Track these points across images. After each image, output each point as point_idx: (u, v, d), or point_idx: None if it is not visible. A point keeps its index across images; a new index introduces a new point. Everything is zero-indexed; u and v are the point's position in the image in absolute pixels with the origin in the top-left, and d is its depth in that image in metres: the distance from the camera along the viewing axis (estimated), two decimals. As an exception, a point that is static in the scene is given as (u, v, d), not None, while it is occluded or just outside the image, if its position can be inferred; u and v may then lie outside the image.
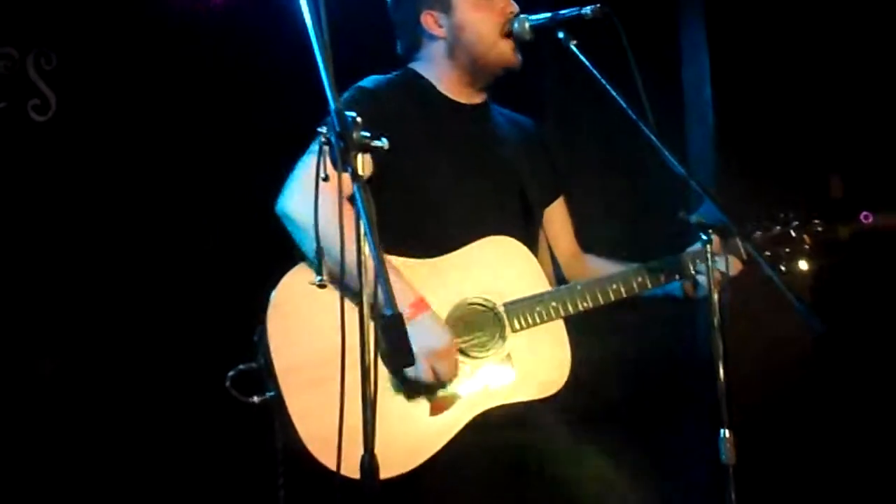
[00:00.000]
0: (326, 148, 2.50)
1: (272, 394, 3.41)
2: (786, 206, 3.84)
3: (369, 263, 2.46)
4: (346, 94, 3.70)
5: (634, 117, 3.44)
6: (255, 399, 3.44)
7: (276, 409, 3.40)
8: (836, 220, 3.80)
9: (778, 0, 5.68)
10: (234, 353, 3.52)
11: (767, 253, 3.73)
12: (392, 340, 2.37)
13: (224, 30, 5.61)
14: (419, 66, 3.95)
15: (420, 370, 3.39)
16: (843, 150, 5.66)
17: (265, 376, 3.44)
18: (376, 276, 2.41)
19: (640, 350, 5.67)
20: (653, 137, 3.43)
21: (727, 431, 3.20)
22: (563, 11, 3.66)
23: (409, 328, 2.97)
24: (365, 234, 2.44)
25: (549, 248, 4.01)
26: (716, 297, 3.28)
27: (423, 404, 3.46)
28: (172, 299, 5.46)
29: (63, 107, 5.44)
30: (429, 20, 3.89)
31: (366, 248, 2.46)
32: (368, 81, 3.80)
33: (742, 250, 3.68)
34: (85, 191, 5.40)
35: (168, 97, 5.58)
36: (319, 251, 2.72)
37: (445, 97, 3.89)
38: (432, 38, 3.91)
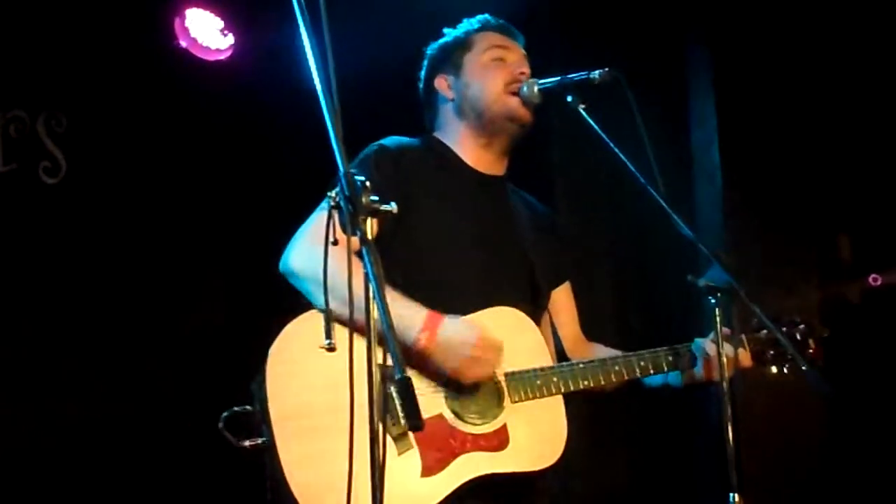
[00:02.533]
0: (336, 212, 2.51)
1: (265, 440, 3.39)
2: (796, 296, 3.82)
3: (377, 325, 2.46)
4: (365, 150, 3.71)
5: (643, 181, 3.45)
6: (247, 443, 3.41)
7: (268, 455, 3.37)
8: (846, 282, 3.79)
9: (785, 63, 5.71)
10: (232, 398, 3.50)
11: (772, 353, 3.70)
12: (402, 403, 2.36)
13: (232, 91, 5.66)
14: (440, 134, 3.97)
15: (462, 382, 3.45)
16: (850, 211, 5.67)
17: (259, 421, 3.41)
18: (386, 339, 2.40)
19: (647, 414, 5.68)
20: (661, 200, 3.43)
21: (736, 496, 3.19)
22: (571, 75, 3.67)
23: (435, 350, 3.32)
24: (374, 296, 2.43)
25: (553, 329, 4.01)
26: (724, 359, 3.27)
27: (414, 463, 3.42)
28: (178, 353, 5.49)
29: (73, 169, 5.47)
30: (442, 84, 3.93)
31: (374, 311, 2.46)
32: (389, 140, 3.81)
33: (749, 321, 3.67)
34: (95, 252, 5.42)
35: (177, 158, 5.62)
36: (328, 313, 2.71)
37: (465, 164, 3.89)
38: (444, 101, 3.94)
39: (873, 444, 5.50)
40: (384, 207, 2.53)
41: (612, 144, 3.54)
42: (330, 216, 2.55)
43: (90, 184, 5.48)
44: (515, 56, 3.89)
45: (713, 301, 3.33)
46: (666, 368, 3.73)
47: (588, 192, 6.11)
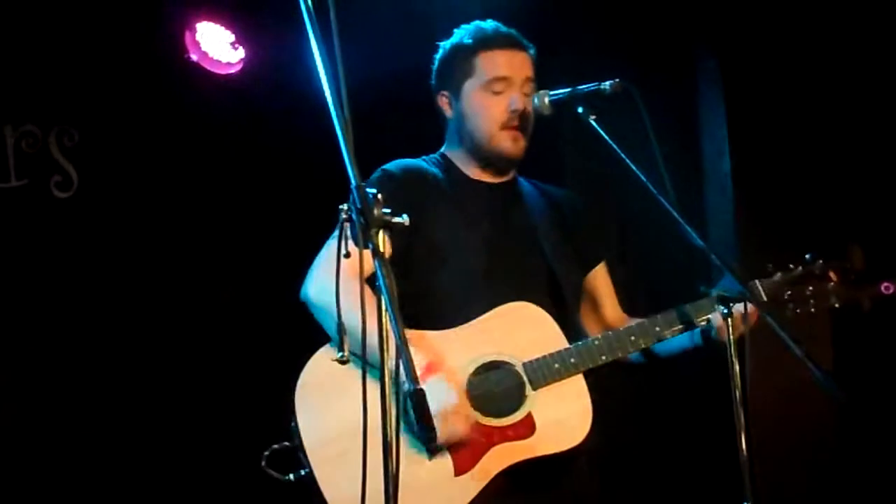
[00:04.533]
0: (347, 225, 2.51)
1: (306, 471, 3.47)
2: (807, 250, 3.81)
3: (391, 339, 2.46)
4: (371, 177, 3.75)
5: (654, 191, 3.45)
6: (291, 477, 3.50)
7: (311, 485, 3.45)
8: (858, 290, 3.78)
9: (795, 73, 5.70)
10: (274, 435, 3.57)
11: (790, 293, 3.70)
12: (416, 414, 2.37)
13: (243, 105, 5.67)
14: (447, 149, 4.02)
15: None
16: (862, 220, 5.66)
17: (299, 455, 3.50)
18: (398, 352, 2.41)
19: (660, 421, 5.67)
20: (672, 210, 3.43)
21: (749, 504, 3.20)
22: (582, 86, 3.68)
23: None
24: (386, 309, 2.44)
25: (597, 313, 4.05)
26: (737, 368, 3.27)
27: (447, 465, 3.46)
28: (188, 368, 5.49)
29: (85, 183, 5.48)
30: (443, 101, 3.97)
31: (387, 324, 2.46)
32: (394, 164, 3.86)
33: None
34: (107, 267, 5.43)
35: (188, 172, 5.63)
36: (340, 326, 2.72)
37: (467, 177, 3.93)
38: (446, 118, 3.99)
39: (885, 451, 5.48)
40: (396, 220, 2.54)
41: (623, 155, 3.55)
42: (342, 229, 2.56)
43: (102, 198, 5.50)
44: (515, 85, 3.85)
45: (725, 311, 3.34)
46: (682, 328, 3.72)
47: (599, 200, 6.10)
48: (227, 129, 5.64)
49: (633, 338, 3.69)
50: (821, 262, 3.76)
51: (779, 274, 3.72)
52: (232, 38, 5.72)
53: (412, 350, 3.34)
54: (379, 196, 2.51)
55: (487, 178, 3.94)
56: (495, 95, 3.84)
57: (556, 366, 3.61)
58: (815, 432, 5.56)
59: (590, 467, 3.77)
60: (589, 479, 3.79)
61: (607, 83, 3.60)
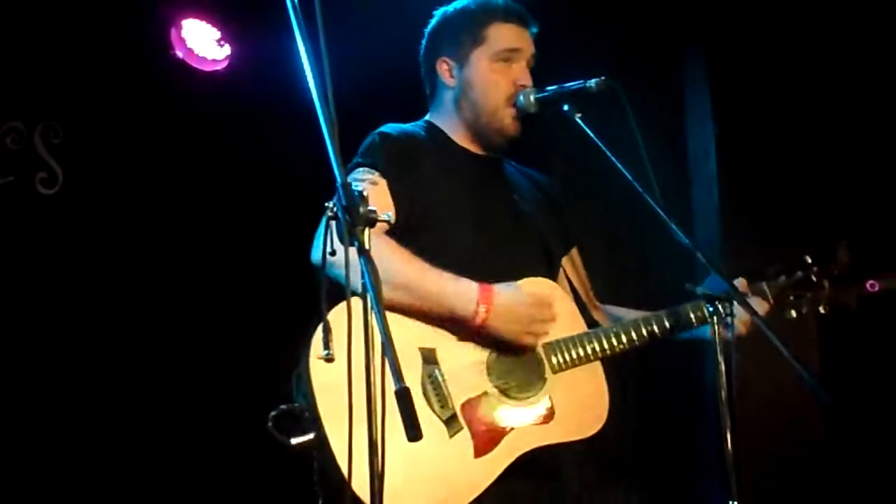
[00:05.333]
0: (333, 222, 2.51)
1: (314, 435, 3.29)
2: (806, 252, 3.85)
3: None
4: (368, 139, 3.74)
5: (640, 189, 3.45)
6: (295, 441, 3.29)
7: (318, 450, 3.27)
8: (844, 287, 3.80)
9: (781, 72, 5.72)
10: (268, 398, 3.40)
11: (791, 298, 3.77)
12: (401, 413, 2.35)
13: (229, 102, 5.66)
14: (434, 117, 3.98)
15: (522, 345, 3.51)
16: (848, 217, 5.67)
17: (306, 417, 3.32)
18: (383, 347, 2.40)
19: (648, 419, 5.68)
20: (658, 209, 3.43)
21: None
22: (568, 84, 3.68)
23: (494, 319, 3.40)
24: (372, 307, 2.43)
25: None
26: (723, 367, 3.27)
27: (467, 445, 3.43)
28: (178, 363, 5.49)
29: (70, 180, 5.46)
30: (443, 67, 3.93)
31: (373, 321, 2.45)
32: (389, 127, 3.82)
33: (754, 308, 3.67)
34: (92, 264, 5.41)
35: (174, 169, 5.61)
36: (326, 325, 2.70)
37: (460, 147, 3.91)
38: (444, 86, 3.94)
39: (871, 451, 5.50)
40: (382, 217, 2.54)
41: (608, 153, 3.55)
42: (327, 227, 2.55)
43: (87, 195, 5.47)
44: (523, 59, 3.86)
45: (711, 309, 3.34)
46: (695, 323, 3.76)
47: (585, 199, 6.10)
48: (213, 127, 5.62)
49: (650, 328, 3.71)
50: (817, 268, 3.80)
51: (783, 277, 3.76)
52: (218, 35, 5.71)
53: (457, 283, 3.44)
54: (365, 193, 2.50)
55: (477, 150, 3.92)
56: (505, 65, 3.83)
57: (577, 350, 3.61)
58: (801, 434, 5.57)
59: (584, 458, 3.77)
60: (582, 471, 3.78)
61: (593, 81, 3.61)
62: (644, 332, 3.70)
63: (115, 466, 5.28)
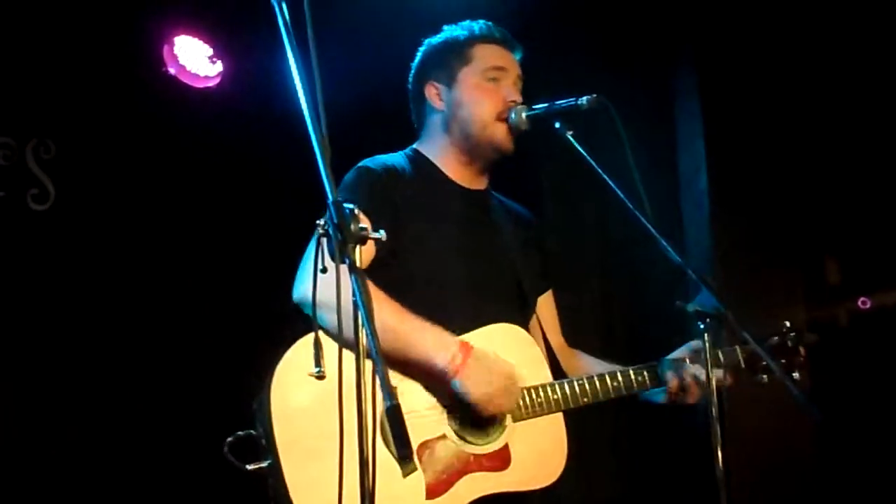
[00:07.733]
0: (324, 240, 2.51)
1: (269, 462, 3.34)
2: (784, 316, 3.84)
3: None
4: (350, 174, 3.72)
5: (631, 206, 3.45)
6: (250, 467, 3.35)
7: (272, 478, 3.33)
8: (834, 305, 3.81)
9: (772, 88, 5.73)
10: (230, 422, 3.44)
11: (763, 364, 3.73)
12: (392, 431, 2.35)
13: (221, 118, 5.67)
14: (422, 146, 3.96)
15: (483, 410, 3.45)
16: (838, 235, 5.68)
17: (263, 445, 3.36)
18: (374, 367, 2.40)
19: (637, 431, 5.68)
20: (649, 226, 3.43)
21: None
22: (559, 102, 3.68)
23: (467, 374, 3.36)
24: (363, 325, 2.43)
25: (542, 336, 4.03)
26: (714, 384, 3.27)
27: (419, 486, 3.42)
28: (168, 379, 5.48)
29: (62, 196, 5.46)
30: (431, 91, 3.92)
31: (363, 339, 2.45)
32: (371, 161, 3.80)
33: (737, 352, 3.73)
34: (84, 280, 5.41)
35: (166, 185, 5.62)
36: (317, 341, 2.70)
37: (447, 179, 3.89)
38: (432, 110, 3.93)
39: (862, 466, 5.50)
40: (373, 235, 2.53)
41: (599, 170, 3.55)
42: (318, 244, 2.55)
43: (79, 211, 5.47)
44: (511, 77, 3.87)
45: (702, 326, 3.34)
46: (650, 385, 3.76)
47: (576, 216, 6.12)
48: (205, 143, 5.63)
49: (615, 384, 3.70)
50: (794, 334, 3.79)
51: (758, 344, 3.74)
52: (210, 51, 5.71)
53: (438, 335, 3.43)
54: (356, 211, 2.50)
55: (466, 181, 3.91)
56: (493, 83, 3.83)
57: (539, 400, 3.59)
58: (791, 451, 5.57)
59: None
60: None
61: (584, 98, 3.61)
62: (609, 389, 3.69)
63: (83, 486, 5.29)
